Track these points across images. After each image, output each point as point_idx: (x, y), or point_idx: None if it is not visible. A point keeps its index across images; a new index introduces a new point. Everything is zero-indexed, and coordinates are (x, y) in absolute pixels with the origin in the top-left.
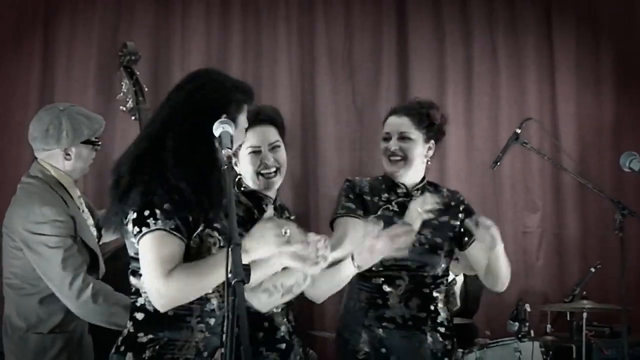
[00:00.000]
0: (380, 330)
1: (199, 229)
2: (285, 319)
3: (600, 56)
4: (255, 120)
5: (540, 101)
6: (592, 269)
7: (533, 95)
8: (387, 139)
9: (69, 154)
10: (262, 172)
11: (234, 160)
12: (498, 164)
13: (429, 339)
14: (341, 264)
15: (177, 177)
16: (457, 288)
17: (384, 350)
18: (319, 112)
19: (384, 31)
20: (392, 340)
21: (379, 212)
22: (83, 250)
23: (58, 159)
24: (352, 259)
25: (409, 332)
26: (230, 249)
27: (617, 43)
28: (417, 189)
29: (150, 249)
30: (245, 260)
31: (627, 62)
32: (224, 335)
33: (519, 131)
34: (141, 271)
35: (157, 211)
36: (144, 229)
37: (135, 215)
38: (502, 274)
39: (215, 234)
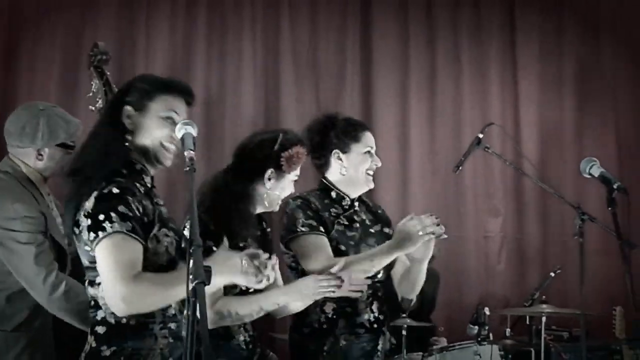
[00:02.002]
0: (353, 336)
1: (155, 229)
2: (241, 328)
3: (563, 62)
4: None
5: (502, 106)
6: (552, 274)
7: (496, 99)
8: (371, 154)
9: (41, 155)
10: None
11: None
12: (460, 168)
13: (383, 339)
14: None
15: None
16: None
17: (354, 357)
18: (283, 112)
19: (348, 33)
20: (360, 346)
21: (335, 228)
22: (52, 247)
23: (30, 158)
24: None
25: (374, 334)
26: (191, 251)
27: (580, 49)
28: (355, 201)
29: (110, 253)
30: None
31: (589, 69)
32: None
33: (481, 136)
34: (100, 277)
35: (112, 214)
36: (101, 233)
37: (89, 221)
38: (420, 284)
39: (171, 233)
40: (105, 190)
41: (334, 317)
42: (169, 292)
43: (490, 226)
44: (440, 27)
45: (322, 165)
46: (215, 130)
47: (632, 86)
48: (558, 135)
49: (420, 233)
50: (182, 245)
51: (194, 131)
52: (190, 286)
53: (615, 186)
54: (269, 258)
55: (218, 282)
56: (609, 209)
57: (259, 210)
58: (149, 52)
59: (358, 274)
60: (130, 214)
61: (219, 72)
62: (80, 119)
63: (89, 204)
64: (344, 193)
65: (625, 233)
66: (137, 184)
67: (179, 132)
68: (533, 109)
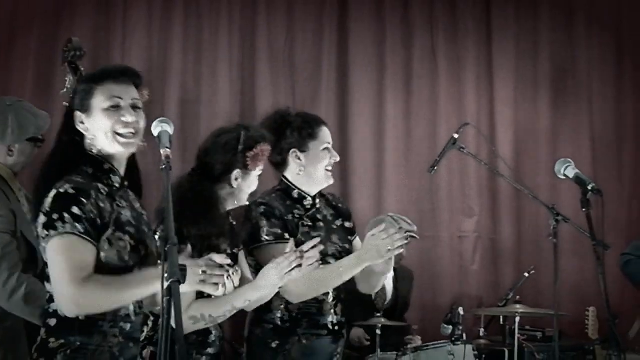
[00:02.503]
0: (315, 337)
1: (108, 232)
2: (216, 325)
3: (539, 63)
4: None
5: (478, 106)
6: (526, 274)
7: (471, 100)
8: (329, 149)
9: (12, 150)
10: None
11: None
12: (435, 168)
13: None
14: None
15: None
16: (388, 283)
17: (314, 358)
18: (259, 109)
19: (325, 31)
20: (321, 347)
21: (300, 230)
22: (23, 244)
23: (0, 154)
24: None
25: (335, 337)
26: (166, 249)
27: (555, 50)
28: (316, 198)
29: (61, 253)
30: (152, 290)
31: (564, 70)
32: (160, 334)
33: (456, 136)
34: (50, 277)
35: (66, 215)
36: (52, 232)
37: (45, 219)
38: (377, 289)
39: (127, 237)
40: (62, 190)
41: (299, 316)
42: (120, 296)
43: (465, 226)
44: (417, 27)
45: (280, 164)
46: (192, 127)
47: (607, 87)
48: (533, 136)
49: (389, 248)
50: (140, 250)
51: (170, 129)
52: (166, 284)
53: (589, 187)
54: (232, 265)
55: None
56: (583, 210)
57: (229, 207)
58: (125, 48)
59: (326, 287)
60: (84, 215)
61: (195, 69)
62: (56, 116)
63: (47, 202)
64: (305, 192)
65: (599, 234)
66: (100, 185)
67: (154, 130)
68: (508, 109)
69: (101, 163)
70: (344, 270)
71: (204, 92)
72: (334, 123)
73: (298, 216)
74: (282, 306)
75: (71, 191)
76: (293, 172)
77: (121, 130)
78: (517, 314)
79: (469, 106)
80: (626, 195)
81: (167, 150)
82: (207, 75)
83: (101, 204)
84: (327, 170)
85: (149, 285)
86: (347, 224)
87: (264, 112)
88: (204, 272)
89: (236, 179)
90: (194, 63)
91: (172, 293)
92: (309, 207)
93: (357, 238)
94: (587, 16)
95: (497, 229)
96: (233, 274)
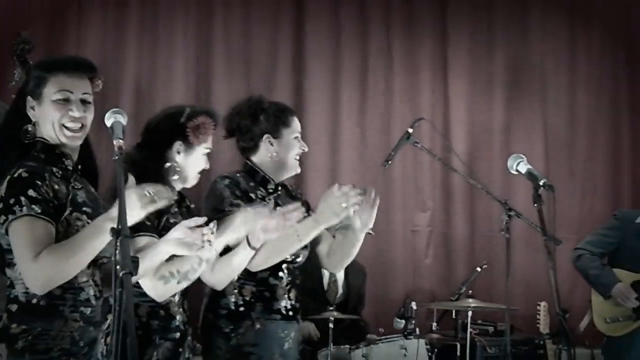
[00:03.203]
0: (269, 322)
1: (66, 213)
2: (180, 309)
3: (493, 59)
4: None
5: (433, 101)
6: (478, 269)
7: (426, 95)
8: (299, 139)
9: None
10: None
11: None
12: (389, 162)
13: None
14: (237, 247)
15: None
16: (339, 276)
17: (267, 342)
18: (214, 102)
19: (281, 25)
20: (274, 332)
21: None
22: None
23: None
24: (248, 241)
25: (289, 322)
26: (118, 241)
27: (510, 47)
28: (279, 185)
29: (20, 235)
30: (105, 236)
31: (518, 66)
32: (112, 327)
33: (410, 130)
34: (14, 259)
35: (22, 198)
36: (10, 216)
37: (1, 205)
38: (351, 257)
39: (84, 217)
40: (16, 175)
41: (252, 300)
42: (77, 254)
43: (418, 220)
44: (373, 22)
45: (249, 148)
46: (146, 118)
47: (560, 85)
48: (487, 132)
49: (344, 205)
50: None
51: (123, 120)
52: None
53: (541, 183)
54: (206, 224)
55: (165, 252)
56: (535, 205)
57: (177, 186)
58: (80, 40)
59: (285, 252)
60: (40, 197)
61: (150, 60)
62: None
63: (2, 189)
64: (269, 177)
65: (550, 229)
66: (54, 168)
67: (108, 121)
68: (463, 105)
69: (52, 147)
70: (301, 234)
71: (159, 83)
72: None
73: (261, 197)
74: (236, 291)
75: (24, 174)
76: (262, 157)
77: (68, 124)
78: (469, 308)
79: (423, 101)
80: (578, 191)
81: (120, 141)
82: (162, 66)
83: (56, 186)
84: (295, 158)
85: (101, 232)
86: (306, 215)
87: (219, 105)
88: (149, 192)
89: (178, 152)
90: (149, 57)
91: (123, 285)
92: (271, 190)
93: None
94: (542, 14)
95: (450, 224)
96: (211, 232)
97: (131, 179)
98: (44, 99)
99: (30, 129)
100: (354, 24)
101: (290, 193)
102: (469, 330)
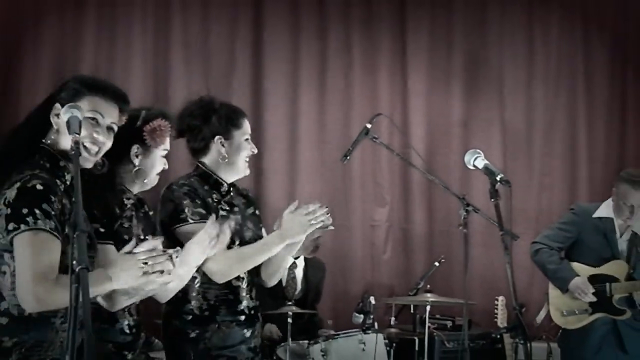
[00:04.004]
0: (234, 323)
1: (67, 229)
2: (124, 312)
3: (452, 56)
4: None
5: (391, 97)
6: (437, 264)
7: (385, 91)
8: (249, 141)
9: None
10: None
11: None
12: (348, 157)
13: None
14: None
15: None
16: (298, 272)
17: (234, 343)
18: (172, 99)
19: (240, 21)
20: (239, 332)
21: (221, 214)
22: None
23: None
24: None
25: (252, 321)
26: (75, 236)
27: (468, 43)
28: (231, 186)
29: (31, 249)
30: (110, 287)
31: (476, 63)
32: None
33: (369, 126)
34: (15, 268)
35: (37, 211)
36: (23, 226)
37: (9, 210)
38: (281, 273)
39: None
40: (29, 185)
41: (216, 303)
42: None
43: (377, 215)
44: (332, 18)
45: (200, 149)
46: None
47: (518, 81)
48: (445, 127)
49: (312, 222)
50: (92, 246)
51: (80, 115)
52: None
53: (498, 178)
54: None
55: (117, 286)
56: (492, 200)
57: (136, 189)
58: (37, 35)
59: (251, 264)
60: (53, 212)
61: (108, 59)
62: None
63: (10, 193)
64: (221, 179)
65: (507, 224)
66: (58, 181)
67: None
68: (421, 101)
69: (57, 159)
70: (267, 247)
71: (116, 79)
72: (248, 113)
73: (216, 200)
74: (200, 295)
75: (39, 187)
76: (213, 159)
77: (87, 144)
78: (427, 303)
79: (382, 97)
80: (536, 186)
81: (77, 136)
82: (120, 62)
83: (64, 201)
84: (245, 160)
85: (103, 285)
86: (257, 212)
87: (177, 103)
88: (145, 263)
89: (136, 156)
90: (107, 51)
91: (79, 280)
92: (224, 193)
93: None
94: (500, 11)
95: (408, 219)
96: (175, 256)
97: (132, 243)
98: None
99: (52, 137)
100: (313, 22)
101: (241, 192)
102: (427, 324)
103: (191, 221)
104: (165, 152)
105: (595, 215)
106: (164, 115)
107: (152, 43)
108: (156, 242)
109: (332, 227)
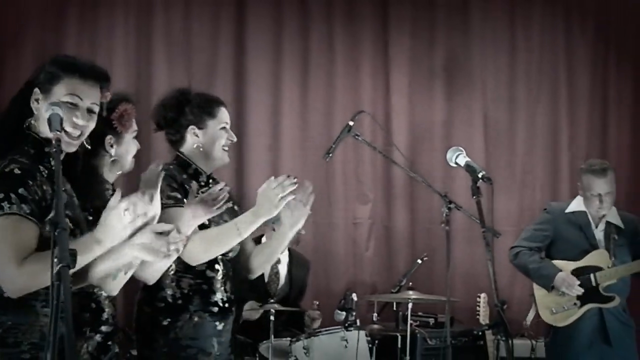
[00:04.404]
0: (207, 314)
1: (51, 214)
2: (109, 302)
3: (434, 53)
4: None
5: (374, 95)
6: (419, 261)
7: (368, 88)
8: (226, 129)
9: None
10: (226, 147)
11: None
12: (330, 155)
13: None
14: None
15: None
16: (281, 268)
17: (205, 335)
18: (154, 95)
19: (222, 18)
20: (211, 324)
21: None
22: None
23: None
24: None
25: (226, 314)
26: (56, 233)
27: (450, 41)
28: (210, 177)
29: (5, 233)
30: (99, 251)
31: (458, 60)
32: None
33: (351, 123)
34: None
35: (12, 195)
36: None
37: None
38: (275, 257)
39: (67, 221)
40: (7, 170)
41: (190, 293)
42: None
43: (359, 213)
44: (314, 15)
45: (177, 140)
46: None
47: (500, 78)
48: (427, 125)
49: (281, 195)
50: (77, 233)
51: (61, 112)
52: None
53: (479, 175)
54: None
55: (110, 243)
56: (474, 197)
57: (113, 178)
58: (19, 30)
59: (225, 246)
60: (30, 196)
61: (90, 51)
62: None
63: None
64: (200, 169)
65: (489, 221)
66: (41, 167)
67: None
68: (404, 98)
69: (42, 145)
70: (241, 227)
71: None
72: (230, 109)
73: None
74: (174, 284)
75: (17, 171)
76: (189, 149)
77: (68, 129)
78: (409, 300)
79: (364, 94)
80: (518, 184)
81: (58, 133)
82: (101, 57)
83: (44, 186)
84: (224, 149)
85: (93, 249)
86: (235, 207)
87: (159, 98)
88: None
89: (111, 146)
90: (89, 46)
91: (61, 278)
92: (202, 183)
93: None
94: (482, 9)
95: (391, 216)
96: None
97: (117, 193)
98: (52, 96)
99: (33, 122)
100: (295, 19)
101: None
102: (409, 322)
103: (165, 204)
104: (135, 133)
105: (568, 210)
106: (125, 99)
107: (134, 39)
108: (166, 227)
109: (310, 212)
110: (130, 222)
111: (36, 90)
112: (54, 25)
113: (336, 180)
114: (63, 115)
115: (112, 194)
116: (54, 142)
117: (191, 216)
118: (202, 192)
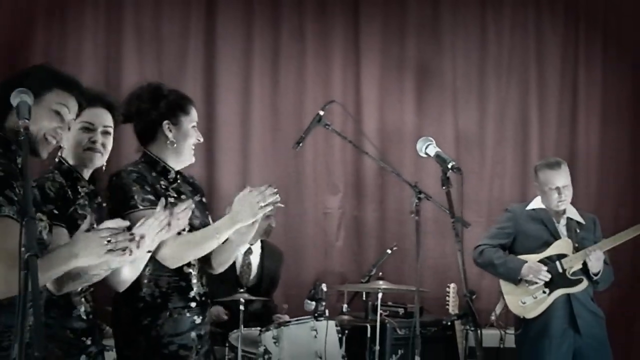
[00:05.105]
0: (186, 310)
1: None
2: (82, 298)
3: (405, 43)
4: (96, 101)
5: (344, 85)
6: (389, 251)
7: (338, 78)
8: (196, 128)
9: None
10: (89, 147)
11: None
12: (300, 144)
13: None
14: None
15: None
16: (253, 258)
17: (185, 330)
18: (124, 84)
19: (192, 8)
20: (190, 319)
21: (169, 201)
22: None
23: None
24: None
25: (203, 307)
26: (23, 223)
27: (421, 33)
28: (178, 173)
29: None
30: (74, 264)
31: (429, 50)
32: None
33: (322, 113)
34: None
35: (0, 197)
36: None
37: None
38: (229, 262)
39: (45, 217)
40: None
41: (169, 291)
42: (47, 274)
43: (330, 203)
44: (285, 5)
45: (147, 134)
46: None
47: (470, 70)
48: (398, 115)
49: (261, 204)
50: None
51: (29, 100)
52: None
53: (449, 166)
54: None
55: (81, 263)
56: (443, 187)
57: (87, 174)
58: None
59: (203, 250)
60: (16, 198)
61: (59, 46)
62: None
63: None
64: (169, 166)
65: (458, 212)
66: (12, 165)
67: (14, 100)
68: (374, 90)
69: (9, 143)
70: (218, 232)
71: (67, 66)
72: (201, 99)
73: (164, 187)
74: (152, 283)
75: (1, 174)
76: (160, 145)
77: (49, 138)
78: (379, 290)
79: (335, 84)
80: (488, 174)
81: (26, 121)
82: (71, 51)
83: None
84: (192, 148)
85: (68, 262)
86: (203, 199)
87: (130, 89)
88: (108, 241)
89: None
90: (58, 40)
91: (29, 267)
92: (171, 180)
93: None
94: (453, 1)
95: (361, 206)
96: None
97: (89, 218)
98: (43, 101)
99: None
100: (266, 8)
101: (187, 179)
102: (379, 311)
103: (141, 207)
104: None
105: (529, 207)
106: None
107: (103, 28)
108: (121, 223)
109: (281, 205)
110: (109, 250)
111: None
112: (23, 20)
113: (306, 170)
114: (51, 123)
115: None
116: (22, 130)
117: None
118: (172, 189)
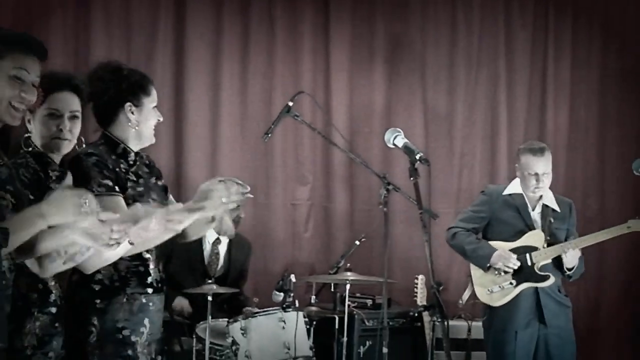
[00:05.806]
0: (142, 296)
1: None
2: (56, 284)
3: (374, 34)
4: (62, 85)
5: (314, 75)
6: (357, 242)
7: (307, 68)
8: (156, 109)
9: None
10: (57, 136)
11: (28, 117)
12: (269, 135)
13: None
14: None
15: None
16: (222, 248)
17: (139, 316)
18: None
19: None
20: (146, 305)
21: (128, 185)
22: None
23: None
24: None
25: (159, 294)
26: None
27: (391, 23)
28: (137, 155)
29: None
30: (42, 225)
31: (399, 40)
32: None
33: (290, 104)
34: None
35: None
36: None
37: None
38: (200, 234)
39: (8, 196)
40: None
41: (127, 275)
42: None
43: (298, 194)
44: None
45: (107, 116)
46: None
47: (440, 61)
48: (367, 106)
49: (224, 200)
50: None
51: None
52: None
53: (417, 157)
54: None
55: (51, 222)
56: (411, 178)
57: (57, 158)
58: None
59: (160, 239)
60: None
61: (26, 26)
62: None
63: None
64: (129, 148)
65: (426, 203)
66: None
67: None
68: (344, 79)
69: None
70: (176, 224)
71: None
72: (170, 87)
73: (124, 170)
74: (110, 266)
75: None
76: (121, 127)
77: (16, 104)
78: (347, 282)
79: (304, 75)
80: (456, 165)
81: None
82: (37, 30)
83: None
84: (152, 129)
85: (35, 224)
86: (160, 182)
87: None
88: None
89: (29, 121)
90: (26, 20)
91: None
92: (131, 162)
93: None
94: None
95: (330, 197)
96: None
97: (69, 177)
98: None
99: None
100: None
101: (144, 161)
102: (347, 303)
103: (96, 193)
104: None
105: (505, 192)
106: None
107: (72, 11)
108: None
109: (250, 195)
110: (83, 212)
111: None
112: None
113: (275, 160)
114: (12, 90)
115: (58, 177)
116: None
117: (142, 229)
118: (131, 172)
